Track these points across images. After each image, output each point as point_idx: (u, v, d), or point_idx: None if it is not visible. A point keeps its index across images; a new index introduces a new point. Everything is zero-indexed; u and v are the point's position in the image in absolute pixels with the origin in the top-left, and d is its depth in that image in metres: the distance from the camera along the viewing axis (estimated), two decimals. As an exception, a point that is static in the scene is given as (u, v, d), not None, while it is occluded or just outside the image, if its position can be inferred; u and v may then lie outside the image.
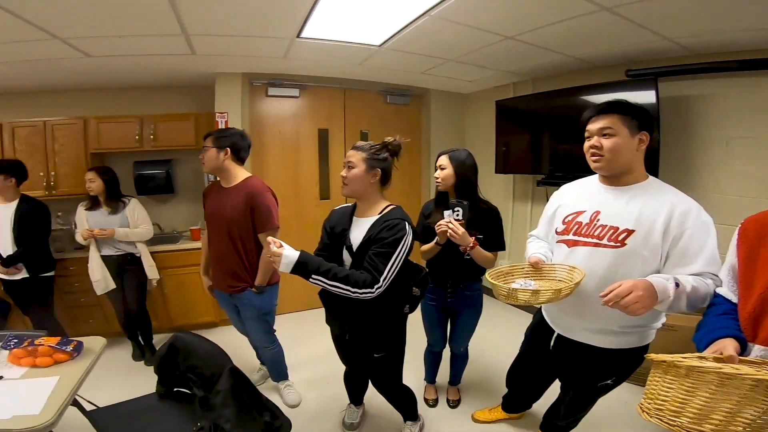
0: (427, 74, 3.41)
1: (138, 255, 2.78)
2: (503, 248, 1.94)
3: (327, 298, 1.67)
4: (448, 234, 1.73)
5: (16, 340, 1.74)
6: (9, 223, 2.48)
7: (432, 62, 3.04)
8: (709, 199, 2.35)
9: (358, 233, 1.58)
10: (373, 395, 2.05)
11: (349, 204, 1.75)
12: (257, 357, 2.59)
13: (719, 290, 1.17)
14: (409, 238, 1.52)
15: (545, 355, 1.66)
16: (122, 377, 2.64)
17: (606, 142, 1.31)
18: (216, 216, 2.09)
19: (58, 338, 1.72)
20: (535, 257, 1.47)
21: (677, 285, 1.14)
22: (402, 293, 1.63)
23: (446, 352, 2.34)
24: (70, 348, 1.69)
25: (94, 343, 1.78)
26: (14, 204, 2.53)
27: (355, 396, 2.17)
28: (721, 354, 0.93)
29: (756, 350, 0.97)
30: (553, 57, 2.76)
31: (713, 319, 1.09)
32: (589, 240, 1.37)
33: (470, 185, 1.91)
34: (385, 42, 2.56)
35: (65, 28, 2.07)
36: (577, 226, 1.42)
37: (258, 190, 2.02)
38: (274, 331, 2.35)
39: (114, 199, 2.72)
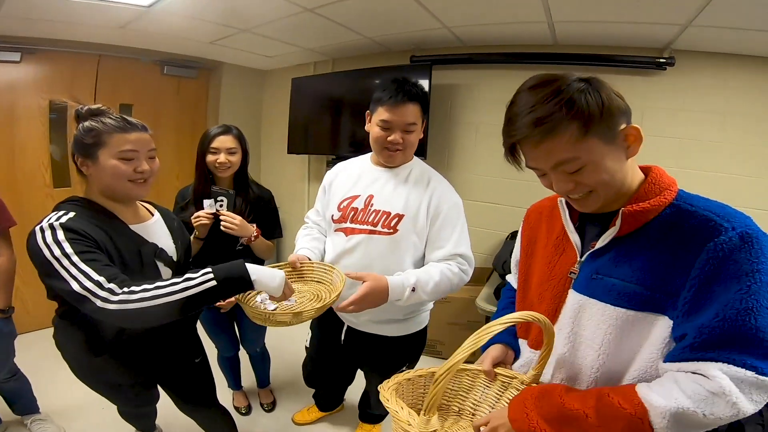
0: (219, 45, 2.91)
1: None
2: (281, 235, 1.86)
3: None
4: (224, 226, 1.53)
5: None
6: None
7: (223, 31, 2.59)
8: (464, 179, 2.82)
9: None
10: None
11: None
12: None
13: (509, 277, 1.11)
14: None
15: (339, 349, 1.53)
16: None
17: (408, 138, 1.26)
18: None
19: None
20: (295, 256, 1.35)
21: (413, 290, 1.17)
22: None
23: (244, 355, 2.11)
24: None
25: None
26: None
27: (147, 423, 1.71)
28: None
29: (526, 351, 0.90)
30: (352, 37, 2.73)
31: (498, 315, 1.02)
32: (365, 227, 1.31)
33: (246, 169, 1.74)
34: (155, 3, 2.01)
35: None
36: (353, 213, 1.34)
37: None
38: None
39: None
